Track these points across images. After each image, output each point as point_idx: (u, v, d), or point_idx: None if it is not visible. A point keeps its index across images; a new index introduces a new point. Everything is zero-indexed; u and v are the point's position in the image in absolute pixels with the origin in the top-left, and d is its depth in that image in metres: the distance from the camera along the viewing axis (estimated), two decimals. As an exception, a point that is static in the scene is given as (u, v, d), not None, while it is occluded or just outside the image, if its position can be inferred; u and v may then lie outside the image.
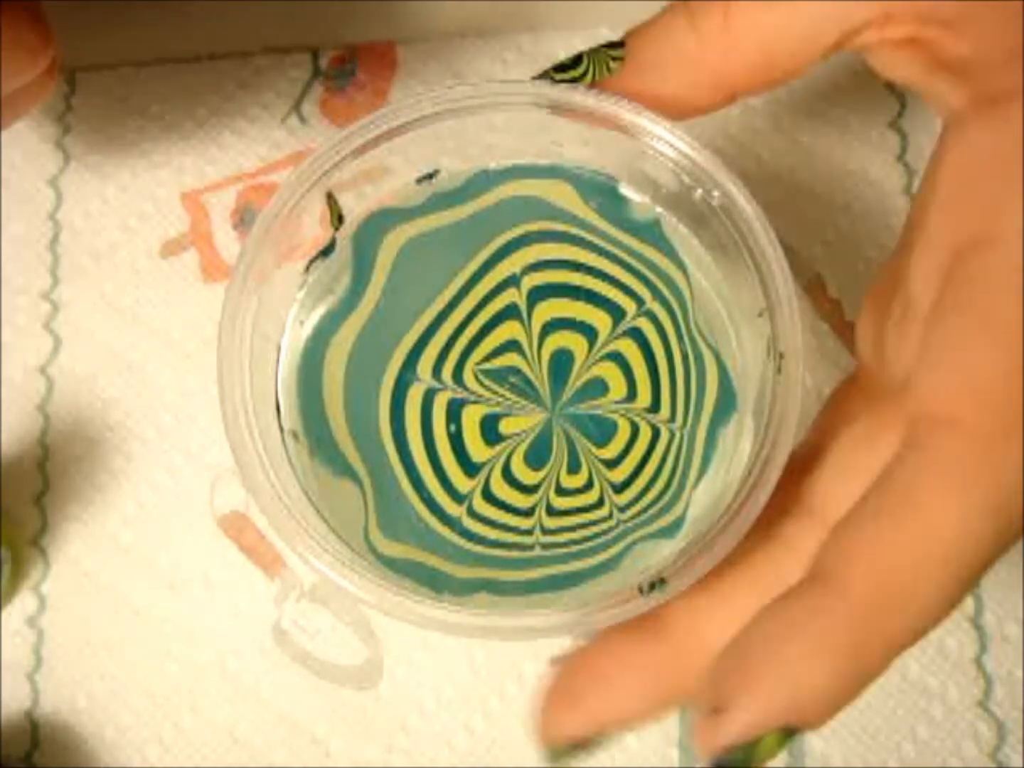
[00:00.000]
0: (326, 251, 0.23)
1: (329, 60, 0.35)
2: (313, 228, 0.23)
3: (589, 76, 0.22)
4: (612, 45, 0.22)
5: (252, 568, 0.32)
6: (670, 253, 0.23)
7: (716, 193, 0.22)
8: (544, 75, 0.22)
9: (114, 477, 0.33)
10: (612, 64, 0.22)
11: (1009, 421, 0.17)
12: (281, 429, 0.22)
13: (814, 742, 0.30)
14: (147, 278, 0.34)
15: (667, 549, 0.21)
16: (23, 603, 0.32)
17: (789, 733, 0.17)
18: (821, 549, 0.18)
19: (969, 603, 0.31)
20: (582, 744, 0.20)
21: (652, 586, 0.20)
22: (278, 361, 0.22)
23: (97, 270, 0.34)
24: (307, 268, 0.23)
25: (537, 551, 0.21)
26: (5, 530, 0.32)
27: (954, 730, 0.30)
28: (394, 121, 0.22)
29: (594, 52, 0.22)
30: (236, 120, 0.36)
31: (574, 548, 0.22)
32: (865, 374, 0.22)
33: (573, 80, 0.22)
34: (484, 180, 0.23)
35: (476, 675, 0.31)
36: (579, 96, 0.22)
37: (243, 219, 0.34)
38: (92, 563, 0.32)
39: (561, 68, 0.22)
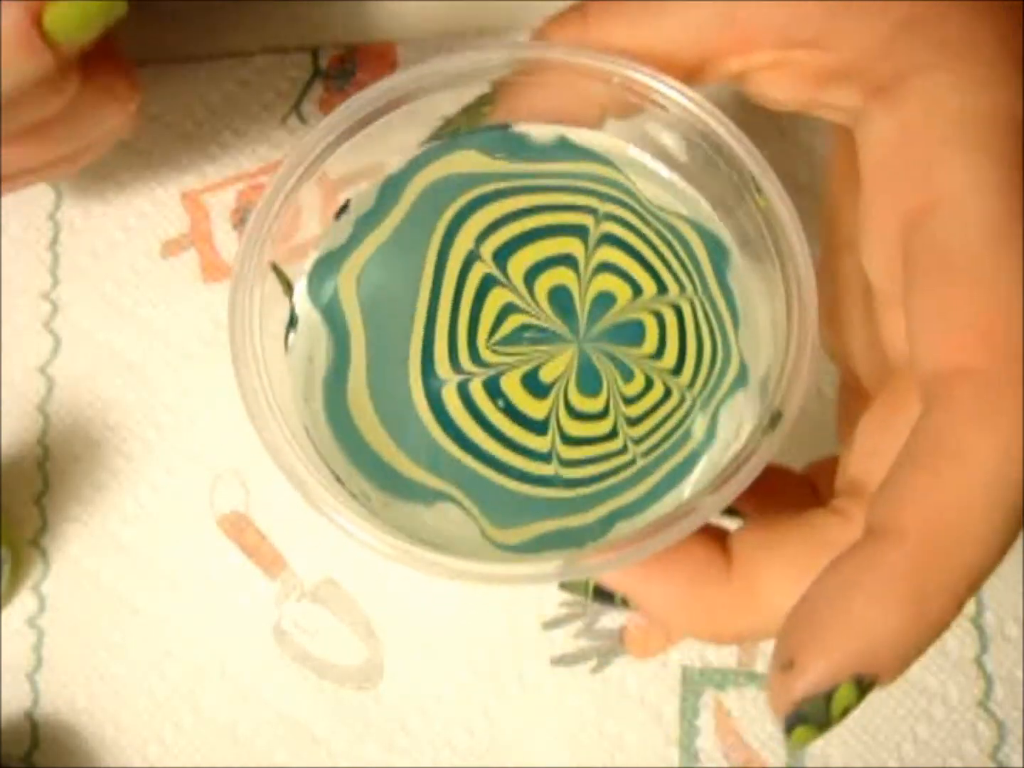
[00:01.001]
0: (292, 324, 0.22)
1: (329, 60, 0.36)
2: (311, 221, 0.23)
3: (468, 120, 0.23)
4: (484, 96, 0.23)
5: (252, 568, 0.32)
6: (590, 156, 0.23)
7: (667, 105, 0.22)
8: (438, 134, 0.23)
9: (114, 477, 0.33)
10: (484, 109, 0.23)
11: (1016, 356, 0.17)
12: (353, 495, 0.22)
13: (814, 741, 0.30)
14: (147, 278, 0.34)
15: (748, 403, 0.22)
16: (23, 603, 0.32)
17: (863, 685, 0.17)
18: (868, 512, 0.18)
19: (969, 603, 0.31)
20: (597, 592, 0.21)
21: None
22: (309, 436, 0.22)
23: (97, 270, 0.35)
24: (285, 347, 0.22)
25: (640, 462, 0.22)
26: (5, 530, 0.32)
27: (954, 730, 0.30)
28: (382, 100, 0.22)
29: (468, 107, 0.23)
30: (236, 120, 0.36)
31: (671, 441, 0.22)
32: (852, 377, 0.23)
33: (455, 131, 0.23)
34: (393, 186, 0.23)
35: (476, 675, 0.31)
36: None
37: (243, 219, 0.34)
38: (92, 563, 0.32)
39: (448, 123, 0.23)
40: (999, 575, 0.31)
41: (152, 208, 0.35)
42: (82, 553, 0.33)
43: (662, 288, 0.23)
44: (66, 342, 0.34)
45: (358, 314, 0.22)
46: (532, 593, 0.31)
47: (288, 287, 0.22)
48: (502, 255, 0.23)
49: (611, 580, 0.21)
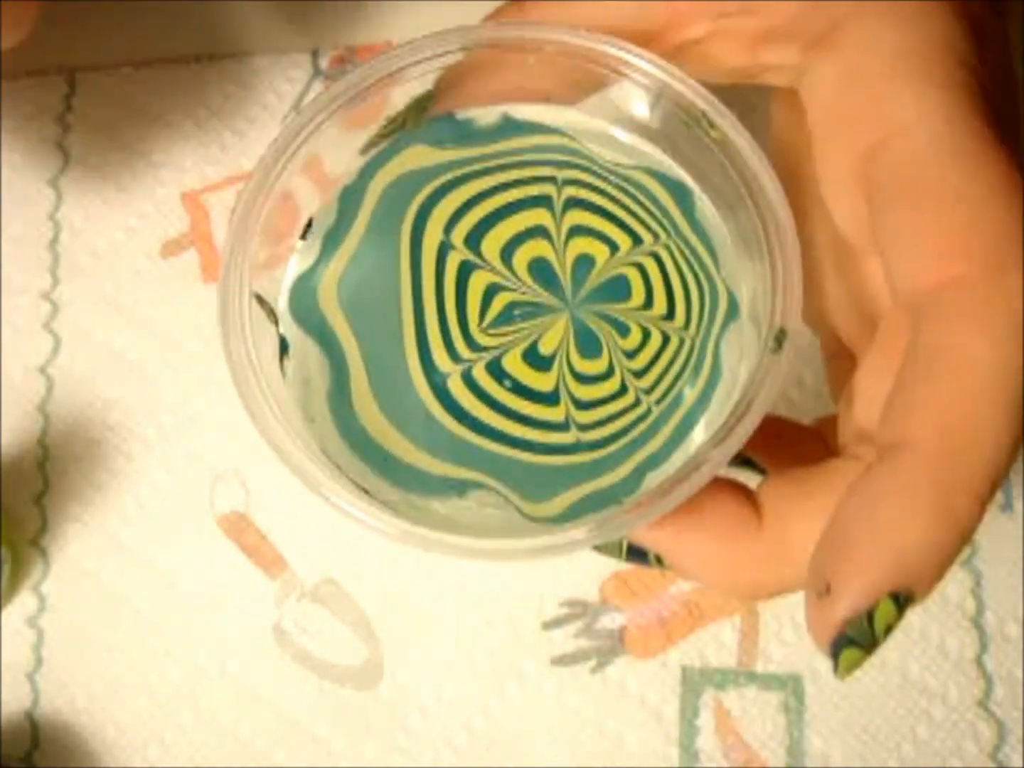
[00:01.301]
0: (283, 350, 0.22)
1: (329, 60, 0.36)
2: (307, 196, 0.23)
3: (413, 117, 0.23)
4: (427, 94, 0.23)
5: (252, 568, 0.32)
6: (536, 129, 0.23)
7: (608, 63, 0.22)
8: (383, 132, 0.23)
9: (114, 477, 0.33)
10: (428, 104, 0.23)
11: (997, 260, 0.18)
12: (384, 504, 0.22)
13: (814, 741, 0.30)
14: (147, 278, 0.34)
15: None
16: (23, 603, 0.32)
17: (902, 601, 0.17)
18: (879, 432, 0.19)
19: (970, 603, 0.31)
20: (631, 552, 0.21)
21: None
22: (328, 456, 0.22)
23: (97, 270, 0.35)
24: (283, 374, 0.22)
25: (655, 411, 0.22)
26: (5, 530, 0.32)
27: (954, 730, 0.30)
28: (366, 81, 0.22)
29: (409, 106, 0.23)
30: (236, 120, 0.36)
31: (680, 385, 0.22)
32: (834, 342, 0.23)
33: (393, 131, 0.23)
34: (351, 196, 0.23)
35: (476, 675, 0.31)
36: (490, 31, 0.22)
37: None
38: (92, 563, 0.32)
39: (393, 120, 0.23)
40: (999, 575, 0.31)
41: (152, 208, 0.35)
42: (82, 553, 0.33)
43: (637, 240, 0.23)
44: (66, 342, 0.34)
45: (347, 327, 0.22)
46: (532, 593, 0.31)
47: (272, 315, 0.22)
48: (473, 239, 0.23)
49: (645, 539, 0.21)
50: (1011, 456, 0.18)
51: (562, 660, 0.31)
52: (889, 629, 0.17)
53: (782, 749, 0.30)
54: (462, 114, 0.24)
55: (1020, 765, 0.30)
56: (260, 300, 0.22)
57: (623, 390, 0.22)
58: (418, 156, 0.23)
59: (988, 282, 0.18)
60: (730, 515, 0.20)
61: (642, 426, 0.22)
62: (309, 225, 0.23)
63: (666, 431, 0.22)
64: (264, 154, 0.22)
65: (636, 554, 0.21)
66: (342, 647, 0.31)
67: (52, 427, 0.33)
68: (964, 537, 0.18)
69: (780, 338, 0.20)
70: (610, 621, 0.31)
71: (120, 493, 0.33)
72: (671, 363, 0.22)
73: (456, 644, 0.31)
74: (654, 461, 0.22)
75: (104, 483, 0.33)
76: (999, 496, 0.31)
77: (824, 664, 0.31)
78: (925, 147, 0.19)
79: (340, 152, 0.23)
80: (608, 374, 0.22)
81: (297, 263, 0.23)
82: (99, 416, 0.33)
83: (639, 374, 0.22)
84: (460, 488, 0.22)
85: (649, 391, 0.22)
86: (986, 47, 0.20)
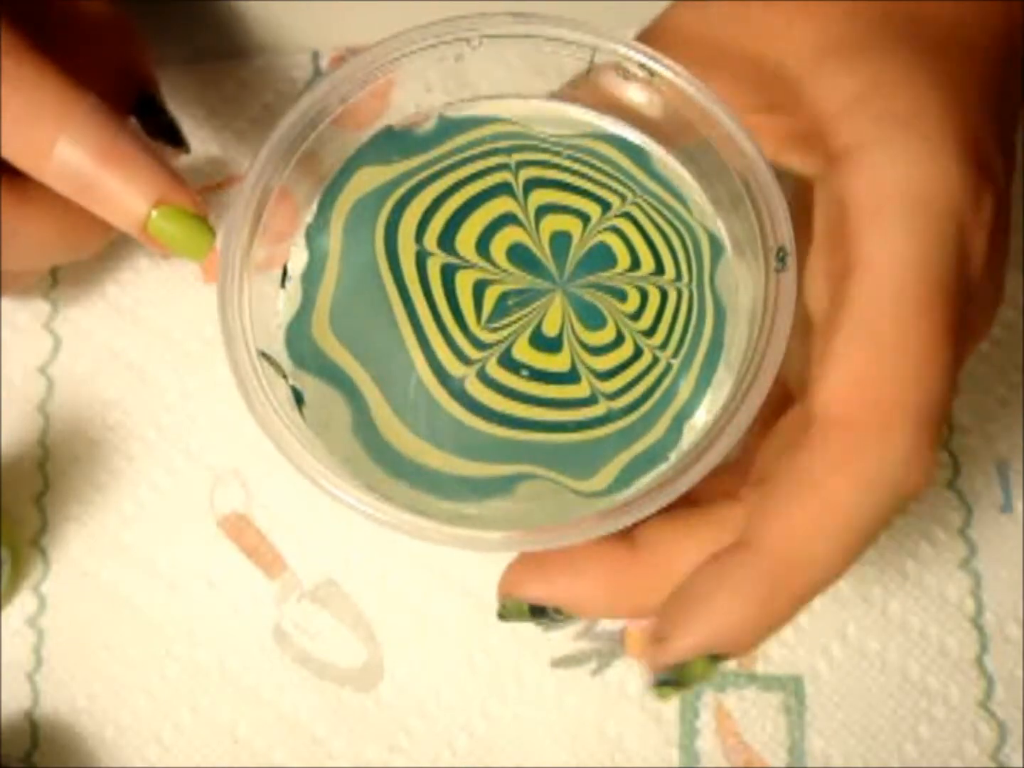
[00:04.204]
0: (298, 400, 0.22)
1: (329, 60, 0.36)
2: (305, 194, 0.23)
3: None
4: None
5: (252, 569, 0.32)
6: (475, 122, 0.24)
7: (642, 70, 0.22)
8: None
9: (114, 477, 0.33)
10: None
11: (888, 415, 0.20)
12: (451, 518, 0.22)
13: (815, 742, 0.30)
14: (147, 278, 0.34)
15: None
16: (23, 603, 0.32)
17: (715, 659, 0.21)
18: (746, 520, 0.21)
19: (969, 603, 0.31)
20: (533, 611, 0.23)
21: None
22: (381, 494, 0.22)
23: (97, 270, 0.35)
24: (303, 417, 0.22)
25: (675, 364, 0.22)
26: (5, 530, 0.32)
27: (955, 730, 0.30)
28: (356, 77, 0.23)
29: None
30: (236, 120, 0.36)
31: (691, 331, 0.23)
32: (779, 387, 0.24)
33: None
34: (317, 234, 0.23)
35: (476, 676, 0.31)
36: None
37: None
38: (92, 563, 0.32)
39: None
40: (999, 575, 0.31)
41: (152, 208, 0.35)
42: (82, 553, 0.33)
43: (605, 206, 0.23)
44: (66, 342, 0.34)
45: (352, 359, 0.22)
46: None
47: (280, 370, 0.22)
48: (446, 241, 0.23)
49: (540, 596, 0.23)
50: (836, 579, 0.21)
51: (562, 662, 0.31)
52: (703, 677, 0.21)
53: (783, 750, 0.30)
54: (400, 126, 0.24)
55: (1021, 765, 0.30)
56: (266, 357, 0.22)
57: (638, 352, 0.22)
58: (370, 177, 0.24)
59: (872, 433, 0.20)
60: (601, 554, 0.23)
61: (666, 381, 0.22)
62: (285, 273, 0.23)
63: (690, 379, 0.22)
64: (258, 153, 0.22)
65: (538, 611, 0.23)
66: (342, 648, 0.31)
67: (52, 427, 0.33)
68: (781, 625, 0.21)
69: (782, 256, 0.21)
70: (610, 623, 0.31)
71: (120, 493, 0.33)
72: (675, 316, 0.22)
73: (456, 645, 0.31)
74: (687, 411, 0.22)
75: (104, 483, 0.33)
76: (999, 497, 0.32)
77: (824, 665, 0.31)
78: (880, 291, 0.21)
79: (336, 147, 0.23)
80: (619, 341, 0.22)
81: (284, 312, 0.23)
82: (99, 416, 0.33)
83: (648, 333, 0.22)
84: (509, 483, 0.22)
85: (663, 347, 0.22)
86: (987, 189, 0.21)
